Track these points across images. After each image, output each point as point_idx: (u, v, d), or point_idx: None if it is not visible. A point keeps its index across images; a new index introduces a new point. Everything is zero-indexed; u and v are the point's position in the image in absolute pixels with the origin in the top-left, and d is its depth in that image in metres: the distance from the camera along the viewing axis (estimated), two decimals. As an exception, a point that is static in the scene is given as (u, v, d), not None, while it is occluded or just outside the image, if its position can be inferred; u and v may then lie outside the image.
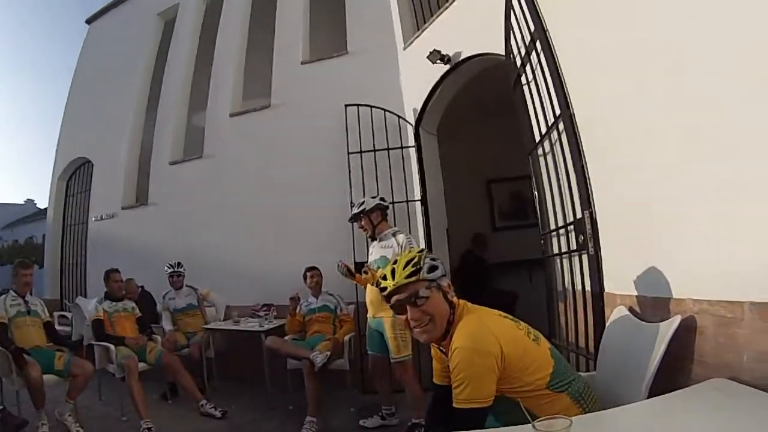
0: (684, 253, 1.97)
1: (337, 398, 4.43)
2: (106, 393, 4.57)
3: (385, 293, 1.83)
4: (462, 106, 5.08)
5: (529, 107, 3.32)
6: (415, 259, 1.82)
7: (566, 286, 3.16)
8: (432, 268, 1.82)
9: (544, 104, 3.04)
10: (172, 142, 6.80)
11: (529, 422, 1.27)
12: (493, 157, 6.44)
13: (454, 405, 1.67)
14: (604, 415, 1.58)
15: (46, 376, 3.77)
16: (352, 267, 3.92)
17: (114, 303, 4.64)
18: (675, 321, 1.86)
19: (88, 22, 9.12)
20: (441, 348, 1.87)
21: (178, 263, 5.38)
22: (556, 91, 2.84)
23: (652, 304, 2.17)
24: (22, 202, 32.46)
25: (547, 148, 3.18)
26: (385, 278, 1.84)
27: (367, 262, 3.89)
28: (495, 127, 6.14)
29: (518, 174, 6.48)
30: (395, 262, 1.86)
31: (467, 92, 4.82)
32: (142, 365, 4.27)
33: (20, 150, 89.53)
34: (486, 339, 1.68)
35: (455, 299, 1.86)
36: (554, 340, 3.07)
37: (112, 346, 4.30)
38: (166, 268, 5.35)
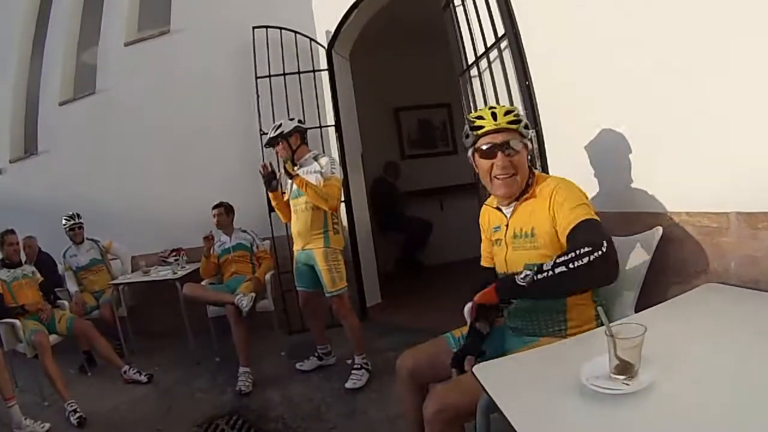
0: (648, 169, 1.99)
1: (263, 342, 4.23)
2: (21, 377, 3.99)
3: (481, 131, 1.75)
4: (374, 31, 4.86)
5: (462, 28, 3.23)
6: (515, 111, 1.77)
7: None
8: (527, 127, 1.79)
9: (483, 24, 2.95)
10: (62, 80, 5.92)
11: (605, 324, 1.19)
12: (401, 86, 6.35)
13: (574, 222, 1.57)
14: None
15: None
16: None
17: (11, 270, 4.08)
18: (657, 232, 1.86)
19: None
20: (505, 206, 1.82)
21: (77, 214, 4.81)
22: (500, 10, 2.75)
23: (622, 219, 2.16)
24: None
25: (483, 69, 3.13)
26: (481, 118, 1.76)
27: (285, 192, 3.62)
28: (405, 54, 6.10)
29: (426, 102, 6.58)
30: (491, 107, 1.80)
31: (382, 17, 4.61)
32: (53, 337, 3.80)
33: None
34: None
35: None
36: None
37: (17, 322, 3.77)
38: (63, 221, 4.77)
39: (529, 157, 1.79)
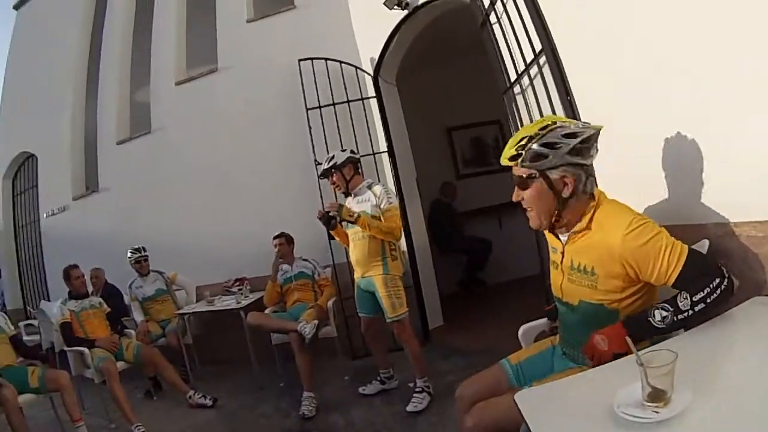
0: (692, 179, 1.88)
1: (327, 368, 4.28)
2: (88, 401, 4.24)
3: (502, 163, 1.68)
4: (417, 54, 4.89)
5: (501, 46, 3.19)
6: (524, 141, 1.59)
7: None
8: (538, 156, 1.58)
9: (520, 41, 2.91)
10: (117, 121, 6.30)
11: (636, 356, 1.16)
12: (451, 104, 6.35)
13: (680, 263, 1.52)
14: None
15: (21, 397, 3.38)
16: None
17: (79, 301, 4.31)
18: (704, 245, 1.77)
19: (16, 7, 8.24)
20: (565, 237, 1.71)
21: (142, 247, 5.06)
22: (535, 25, 2.72)
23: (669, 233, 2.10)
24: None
25: (525, 86, 3.08)
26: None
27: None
28: (451, 73, 6.10)
29: (478, 120, 6.54)
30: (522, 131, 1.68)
31: (423, 38, 4.64)
32: (121, 364, 4.01)
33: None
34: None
35: (594, 191, 1.66)
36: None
37: (86, 350, 4.00)
38: (129, 254, 5.01)
39: (557, 183, 1.61)
